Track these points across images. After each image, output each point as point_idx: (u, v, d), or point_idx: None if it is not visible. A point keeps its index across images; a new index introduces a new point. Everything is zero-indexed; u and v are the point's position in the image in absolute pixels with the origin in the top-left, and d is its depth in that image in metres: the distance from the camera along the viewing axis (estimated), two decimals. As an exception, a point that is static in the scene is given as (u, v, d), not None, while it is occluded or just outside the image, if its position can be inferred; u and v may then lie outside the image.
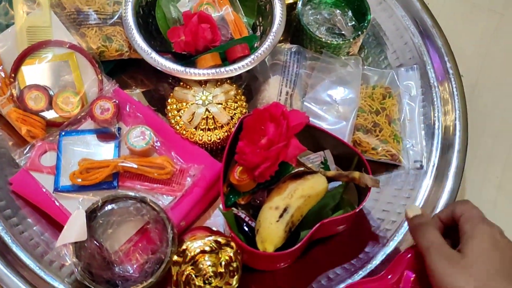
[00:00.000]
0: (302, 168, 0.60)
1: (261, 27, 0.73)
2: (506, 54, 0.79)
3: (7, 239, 0.58)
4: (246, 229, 0.59)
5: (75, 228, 0.51)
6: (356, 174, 0.58)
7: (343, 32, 0.73)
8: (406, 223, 0.62)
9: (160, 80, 0.71)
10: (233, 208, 0.60)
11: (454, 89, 0.70)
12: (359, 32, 0.69)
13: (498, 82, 0.78)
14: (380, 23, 0.77)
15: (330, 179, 0.60)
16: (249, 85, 0.72)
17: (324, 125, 0.65)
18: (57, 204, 0.58)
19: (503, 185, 0.71)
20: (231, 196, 0.61)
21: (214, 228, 0.60)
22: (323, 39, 0.68)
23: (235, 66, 0.63)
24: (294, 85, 0.67)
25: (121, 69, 0.71)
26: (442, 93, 0.71)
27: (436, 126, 0.70)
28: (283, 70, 0.68)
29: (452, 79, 0.71)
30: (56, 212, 0.58)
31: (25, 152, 0.60)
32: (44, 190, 0.59)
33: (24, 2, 0.64)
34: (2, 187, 0.61)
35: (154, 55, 0.63)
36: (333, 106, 0.67)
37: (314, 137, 0.64)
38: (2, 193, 0.61)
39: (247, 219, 0.59)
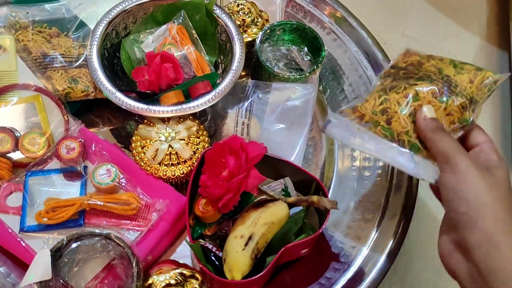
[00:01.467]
0: (264, 197, 0.62)
1: (223, 65, 0.76)
2: None
3: (-28, 282, 0.59)
4: (214, 259, 0.60)
5: (39, 268, 0.51)
6: (315, 198, 0.60)
7: (301, 67, 0.77)
8: (365, 248, 0.65)
9: (126, 118, 0.73)
10: (200, 240, 0.61)
11: None
12: (315, 67, 0.73)
13: None
14: (336, 58, 0.82)
15: (291, 205, 0.62)
16: (214, 120, 0.74)
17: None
18: (23, 244, 0.58)
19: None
20: (197, 228, 0.62)
21: (181, 261, 0.61)
22: (281, 74, 0.72)
23: (197, 102, 0.66)
24: (250, 114, 0.70)
25: (88, 108, 0.73)
26: None
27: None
28: (239, 103, 0.71)
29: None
30: (22, 252, 0.58)
31: (-10, 194, 0.61)
32: (10, 231, 0.59)
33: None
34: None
35: (118, 94, 0.66)
36: (288, 126, 0.70)
37: (274, 166, 0.66)
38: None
39: (214, 249, 0.61)
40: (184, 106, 0.66)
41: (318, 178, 0.63)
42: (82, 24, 0.73)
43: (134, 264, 0.53)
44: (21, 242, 0.59)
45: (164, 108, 0.65)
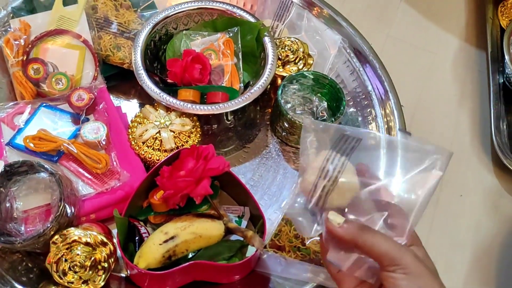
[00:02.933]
0: (211, 211, 0.64)
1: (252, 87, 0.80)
2: (438, 86, 0.91)
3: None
4: (137, 242, 0.63)
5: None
6: (250, 233, 0.61)
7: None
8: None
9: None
10: (139, 221, 0.65)
11: (397, 118, 0.78)
12: (333, 119, 0.73)
13: (432, 111, 0.89)
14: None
15: (229, 230, 0.63)
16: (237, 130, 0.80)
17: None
18: (4, 154, 0.67)
19: (440, 200, 0.79)
20: (146, 211, 0.66)
21: (114, 232, 0.65)
22: (294, 119, 0.72)
23: (196, 106, 0.70)
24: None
25: (127, 78, 0.80)
26: (387, 122, 0.78)
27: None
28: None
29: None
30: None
31: (6, 106, 0.71)
32: (1, 140, 0.68)
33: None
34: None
35: (142, 71, 0.73)
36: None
37: (241, 192, 0.68)
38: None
39: (144, 234, 0.63)
40: (188, 105, 0.70)
41: (265, 218, 0.63)
42: (152, 6, 0.82)
43: (59, 208, 0.58)
44: (4, 152, 0.67)
45: (171, 99, 0.70)
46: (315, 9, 0.88)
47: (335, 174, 0.48)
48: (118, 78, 0.80)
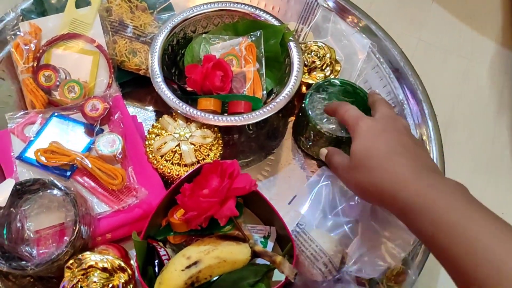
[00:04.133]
0: (237, 232, 0.59)
1: (276, 95, 0.75)
2: (474, 94, 0.86)
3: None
4: (156, 265, 0.59)
5: (0, 193, 0.54)
6: (279, 258, 0.56)
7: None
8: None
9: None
10: (159, 243, 0.60)
11: (431, 129, 0.73)
12: None
13: (468, 121, 0.84)
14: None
15: (256, 254, 0.59)
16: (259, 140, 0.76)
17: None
18: (14, 169, 0.63)
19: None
20: (165, 231, 0.62)
21: (131, 253, 0.60)
22: (324, 130, 0.67)
23: (218, 117, 0.65)
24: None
25: (142, 85, 0.76)
26: (420, 134, 0.74)
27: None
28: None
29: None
30: (10, 175, 0.62)
31: (16, 116, 0.67)
32: (12, 153, 0.64)
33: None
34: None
35: (160, 79, 0.68)
36: None
37: (266, 211, 0.63)
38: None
39: (164, 257, 0.59)
40: (210, 116, 0.66)
41: (294, 240, 0.59)
42: (169, 8, 0.77)
43: (75, 231, 0.54)
44: (14, 166, 0.63)
45: (191, 109, 0.66)
46: (342, 12, 0.82)
47: None
48: (133, 84, 0.76)
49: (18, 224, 0.57)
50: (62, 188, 0.56)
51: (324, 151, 0.65)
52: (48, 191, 0.58)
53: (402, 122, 0.59)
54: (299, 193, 0.69)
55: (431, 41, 0.90)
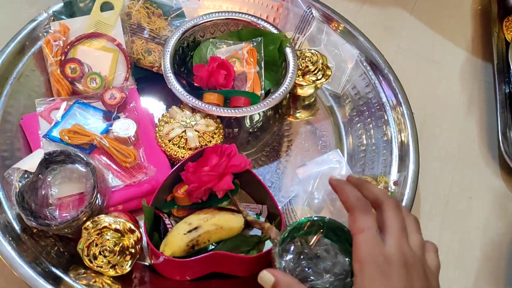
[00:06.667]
0: (232, 206, 0.68)
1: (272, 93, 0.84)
2: (446, 94, 0.97)
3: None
4: (162, 231, 0.67)
5: (31, 161, 0.63)
6: (267, 224, 0.64)
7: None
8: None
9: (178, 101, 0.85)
10: (164, 212, 0.69)
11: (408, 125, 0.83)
12: None
13: (441, 118, 0.93)
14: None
15: (248, 223, 0.67)
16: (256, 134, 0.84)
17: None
18: (41, 145, 0.72)
19: (450, 202, 0.84)
20: (170, 204, 0.70)
21: (142, 223, 0.69)
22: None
23: (220, 109, 0.75)
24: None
25: (157, 82, 0.84)
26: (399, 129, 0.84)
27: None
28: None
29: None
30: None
31: (44, 102, 0.76)
32: (39, 132, 0.73)
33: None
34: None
35: (171, 74, 0.78)
36: None
37: (259, 190, 0.72)
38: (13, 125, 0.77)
39: (168, 226, 0.68)
40: (213, 107, 0.75)
41: (282, 215, 0.67)
42: (181, 14, 0.87)
43: (93, 196, 0.63)
44: (41, 143, 0.72)
45: (197, 101, 0.75)
46: (333, 23, 0.93)
47: None
48: (147, 81, 0.85)
49: (43, 191, 0.66)
50: (85, 159, 0.65)
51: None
52: (70, 164, 0.67)
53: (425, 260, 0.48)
54: (309, 163, 0.76)
55: (408, 48, 1.01)
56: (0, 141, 0.73)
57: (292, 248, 0.56)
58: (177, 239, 0.63)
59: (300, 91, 0.85)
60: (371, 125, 0.85)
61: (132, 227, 0.64)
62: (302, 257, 0.55)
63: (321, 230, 0.56)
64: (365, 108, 0.86)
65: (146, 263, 0.68)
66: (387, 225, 0.49)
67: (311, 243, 0.56)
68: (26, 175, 0.63)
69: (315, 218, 0.57)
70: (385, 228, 0.49)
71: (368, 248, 0.46)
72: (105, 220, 0.62)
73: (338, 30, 0.93)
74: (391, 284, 0.44)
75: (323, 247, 0.56)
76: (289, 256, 0.55)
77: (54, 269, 0.64)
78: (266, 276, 0.50)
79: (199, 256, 0.62)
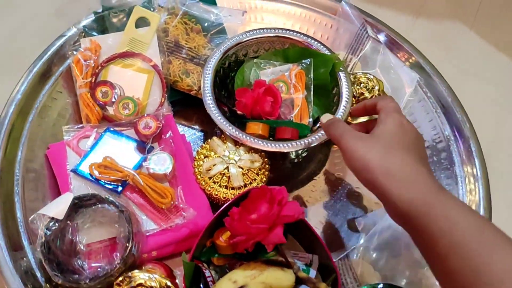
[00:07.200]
0: (281, 259, 0.60)
1: (323, 123, 0.76)
2: None
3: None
4: (202, 286, 0.60)
5: (58, 206, 0.56)
6: (323, 285, 0.57)
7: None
8: None
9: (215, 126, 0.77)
10: (204, 264, 0.61)
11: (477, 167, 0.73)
12: None
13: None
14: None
15: (299, 281, 0.59)
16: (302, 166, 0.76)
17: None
18: (69, 181, 0.65)
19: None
20: (209, 252, 0.63)
21: (178, 272, 0.62)
22: None
23: (268, 143, 0.67)
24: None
25: (192, 104, 0.77)
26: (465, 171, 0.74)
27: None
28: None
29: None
30: (64, 188, 0.65)
31: (72, 129, 0.69)
32: (67, 165, 0.66)
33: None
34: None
35: (212, 101, 0.70)
36: None
37: (309, 239, 0.64)
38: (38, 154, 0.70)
39: (209, 279, 0.60)
40: (258, 140, 0.67)
41: (339, 272, 0.59)
42: (222, 31, 0.79)
43: (128, 249, 0.55)
44: (69, 179, 0.65)
45: (240, 133, 0.67)
46: (391, 44, 0.84)
47: None
48: (181, 104, 0.78)
49: (71, 237, 0.59)
50: (118, 205, 0.58)
51: (327, 116, 0.61)
52: (101, 205, 0.60)
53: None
54: (370, 215, 0.69)
55: (469, 69, 0.92)
56: (24, 173, 0.67)
57: None
58: (220, 300, 0.56)
59: (352, 120, 0.76)
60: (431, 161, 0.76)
61: (169, 283, 0.56)
62: None
63: None
64: (425, 140, 0.77)
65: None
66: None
67: None
68: (52, 223, 0.56)
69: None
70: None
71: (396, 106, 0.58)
72: (140, 276, 0.55)
73: (398, 54, 0.83)
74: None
75: None
76: None
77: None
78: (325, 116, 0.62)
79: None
